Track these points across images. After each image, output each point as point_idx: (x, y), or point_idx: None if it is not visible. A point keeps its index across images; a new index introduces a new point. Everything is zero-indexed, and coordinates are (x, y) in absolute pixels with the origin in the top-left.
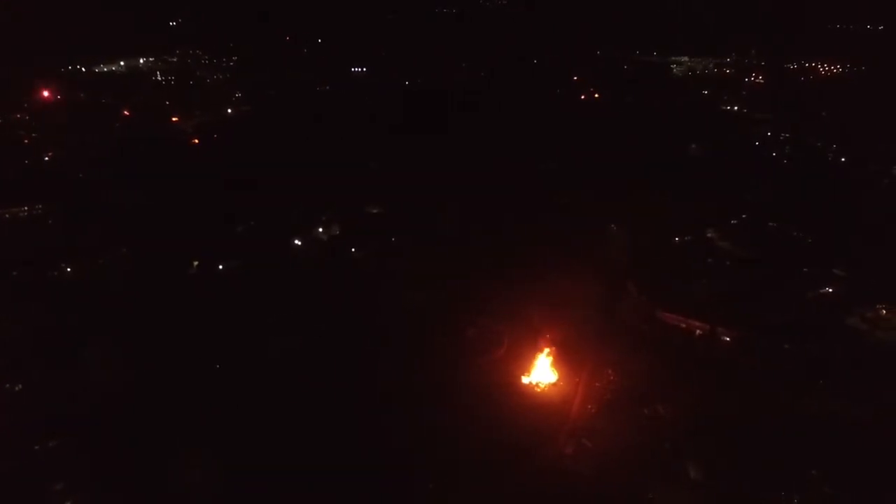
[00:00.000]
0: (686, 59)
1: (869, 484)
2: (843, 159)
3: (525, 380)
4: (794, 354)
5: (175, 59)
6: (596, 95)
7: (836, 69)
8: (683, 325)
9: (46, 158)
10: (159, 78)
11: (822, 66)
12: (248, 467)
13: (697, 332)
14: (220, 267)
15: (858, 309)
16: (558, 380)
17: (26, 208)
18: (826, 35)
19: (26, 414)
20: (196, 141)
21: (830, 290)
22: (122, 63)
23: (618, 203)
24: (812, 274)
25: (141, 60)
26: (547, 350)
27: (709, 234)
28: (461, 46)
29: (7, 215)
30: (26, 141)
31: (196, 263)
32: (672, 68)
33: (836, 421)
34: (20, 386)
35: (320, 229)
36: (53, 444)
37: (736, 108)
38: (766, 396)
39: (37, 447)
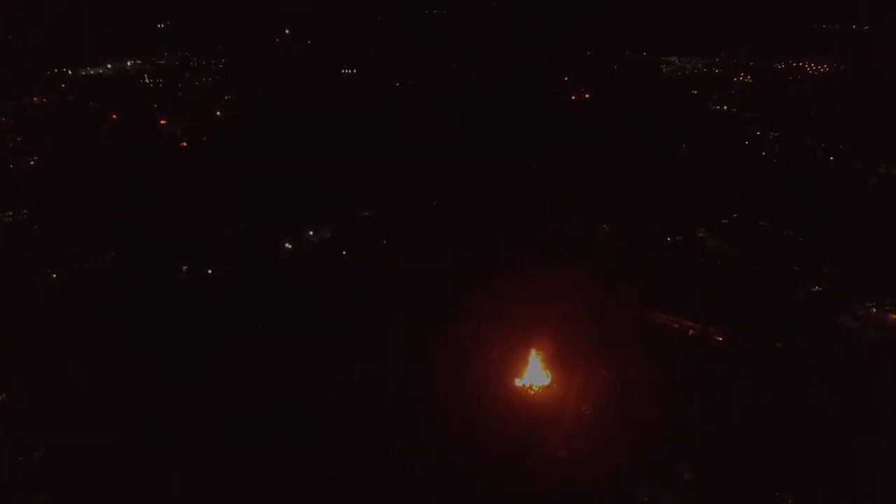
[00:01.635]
0: (675, 58)
1: (864, 484)
2: (831, 158)
3: (518, 382)
4: (786, 353)
5: (163, 62)
6: (587, 95)
7: (824, 69)
8: (676, 325)
9: (32, 163)
10: (147, 80)
11: (810, 66)
12: (241, 471)
13: (690, 331)
14: (210, 271)
15: (850, 307)
16: (552, 382)
17: (11, 213)
18: (813, 35)
19: (10, 423)
20: (185, 144)
21: (821, 288)
22: (108, 66)
23: (609, 203)
24: (803, 272)
25: (128, 63)
26: (540, 352)
27: (700, 234)
28: (452, 47)
29: None
30: (11, 145)
31: (185, 268)
32: (661, 68)
33: (830, 420)
34: (4, 395)
35: (311, 232)
36: (39, 455)
37: (725, 107)
38: (759, 396)
39: (21, 458)
